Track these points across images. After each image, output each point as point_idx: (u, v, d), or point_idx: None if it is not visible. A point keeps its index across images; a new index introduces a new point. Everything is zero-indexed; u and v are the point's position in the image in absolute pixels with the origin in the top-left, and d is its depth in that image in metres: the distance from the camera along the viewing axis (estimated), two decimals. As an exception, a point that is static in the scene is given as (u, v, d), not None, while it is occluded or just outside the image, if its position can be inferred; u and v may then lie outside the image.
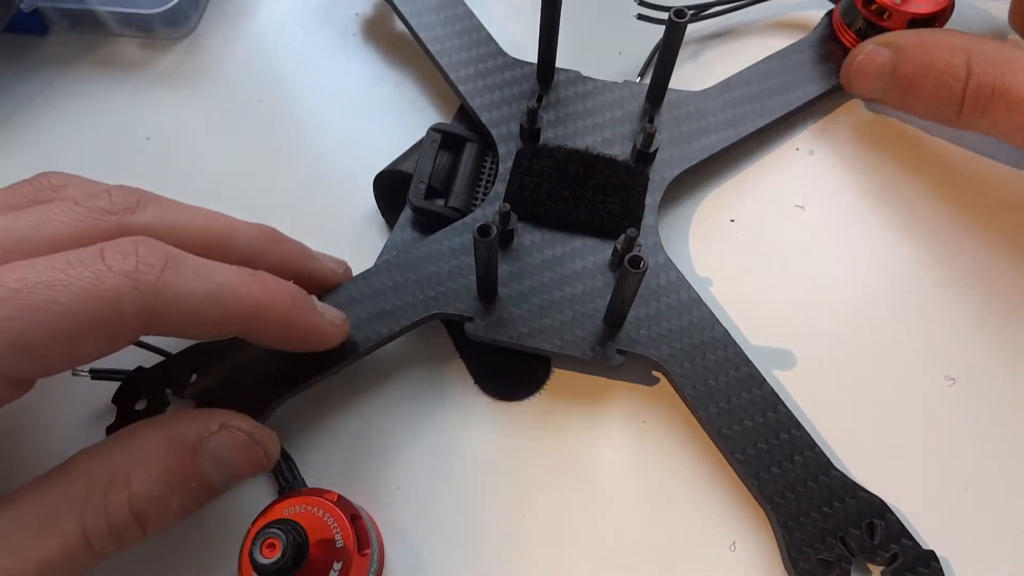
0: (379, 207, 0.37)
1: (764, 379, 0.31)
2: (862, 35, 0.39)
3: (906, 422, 0.33)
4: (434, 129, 0.37)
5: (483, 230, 0.28)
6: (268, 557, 0.24)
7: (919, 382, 0.34)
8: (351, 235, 0.38)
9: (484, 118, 0.37)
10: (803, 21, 0.44)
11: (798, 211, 0.38)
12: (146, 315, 0.24)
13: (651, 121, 0.37)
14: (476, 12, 0.41)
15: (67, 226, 0.25)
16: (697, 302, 0.33)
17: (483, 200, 0.36)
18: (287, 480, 0.32)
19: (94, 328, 0.23)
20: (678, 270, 0.34)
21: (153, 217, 0.27)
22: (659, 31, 0.37)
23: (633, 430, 0.33)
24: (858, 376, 0.34)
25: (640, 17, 0.42)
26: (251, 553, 0.24)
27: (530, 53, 0.38)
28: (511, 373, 0.34)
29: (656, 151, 0.36)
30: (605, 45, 0.43)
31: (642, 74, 0.42)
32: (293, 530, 0.25)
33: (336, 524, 0.27)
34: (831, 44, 0.41)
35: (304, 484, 0.32)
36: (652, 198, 0.35)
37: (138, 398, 0.32)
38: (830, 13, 0.42)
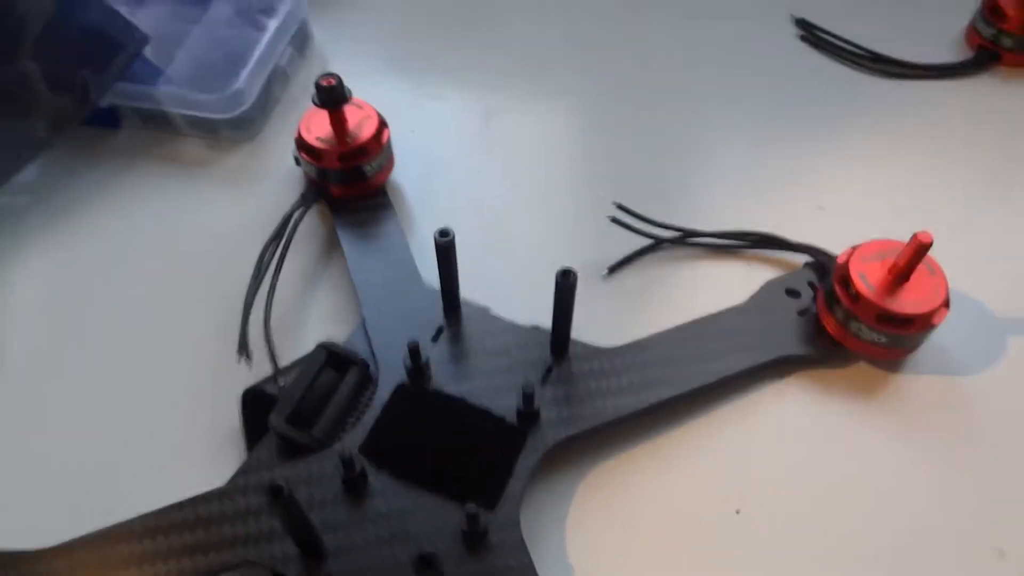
0: (243, 423, 0.35)
1: None
2: (842, 323, 0.36)
3: None
4: (322, 346, 0.35)
5: (274, 490, 0.26)
6: None
7: None
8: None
9: (375, 340, 0.36)
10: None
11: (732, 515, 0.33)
12: None
13: (549, 372, 0.35)
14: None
15: None
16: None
17: (352, 428, 0.34)
18: None
19: None
20: (527, 554, 0.30)
21: None
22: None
23: None
24: None
25: (613, 220, 0.42)
26: None
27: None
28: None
29: (539, 411, 0.33)
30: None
31: (612, 269, 0.41)
32: None
33: None
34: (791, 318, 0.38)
35: None
36: (527, 462, 0.33)
37: None
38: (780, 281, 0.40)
